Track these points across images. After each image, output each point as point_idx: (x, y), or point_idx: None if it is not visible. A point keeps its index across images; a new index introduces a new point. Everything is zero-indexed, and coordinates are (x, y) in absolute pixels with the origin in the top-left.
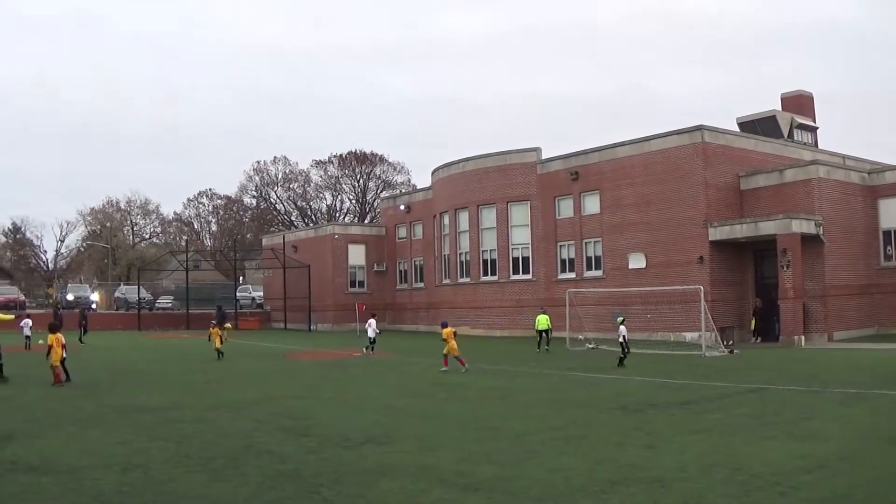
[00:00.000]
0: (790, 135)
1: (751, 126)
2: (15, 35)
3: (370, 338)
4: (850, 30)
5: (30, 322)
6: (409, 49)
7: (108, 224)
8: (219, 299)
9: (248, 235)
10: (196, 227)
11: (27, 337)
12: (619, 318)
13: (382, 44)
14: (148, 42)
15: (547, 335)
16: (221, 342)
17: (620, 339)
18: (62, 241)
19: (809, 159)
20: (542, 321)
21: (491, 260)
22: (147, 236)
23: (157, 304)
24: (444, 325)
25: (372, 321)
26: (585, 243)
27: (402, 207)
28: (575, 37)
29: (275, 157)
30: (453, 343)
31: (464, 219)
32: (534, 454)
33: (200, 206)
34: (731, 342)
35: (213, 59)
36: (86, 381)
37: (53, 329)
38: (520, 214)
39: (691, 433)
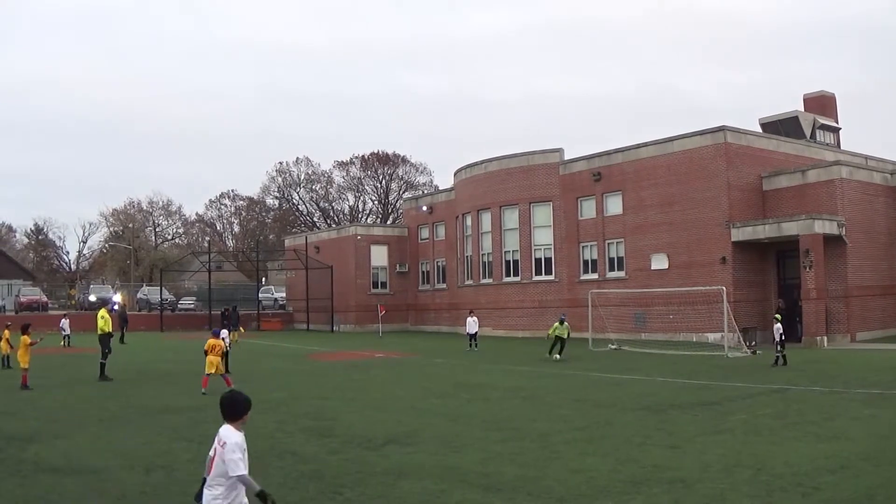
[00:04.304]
0: (812, 135)
1: (773, 127)
2: (34, 33)
3: (471, 334)
4: (875, 29)
5: (68, 322)
6: (431, 48)
7: (130, 225)
8: (231, 300)
9: (271, 236)
10: (218, 228)
11: (66, 336)
12: (778, 316)
13: (405, 42)
14: (169, 40)
15: (561, 342)
16: (11, 348)
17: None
18: (84, 242)
19: (832, 160)
20: (558, 329)
21: (513, 261)
22: (169, 237)
23: (179, 305)
24: (216, 334)
25: (473, 319)
26: (608, 244)
27: (425, 208)
28: (597, 35)
29: (297, 158)
30: (214, 357)
31: (486, 219)
32: (557, 455)
33: (223, 207)
34: (753, 343)
35: (234, 59)
36: (109, 382)
37: (25, 330)
38: (542, 215)
39: (714, 433)
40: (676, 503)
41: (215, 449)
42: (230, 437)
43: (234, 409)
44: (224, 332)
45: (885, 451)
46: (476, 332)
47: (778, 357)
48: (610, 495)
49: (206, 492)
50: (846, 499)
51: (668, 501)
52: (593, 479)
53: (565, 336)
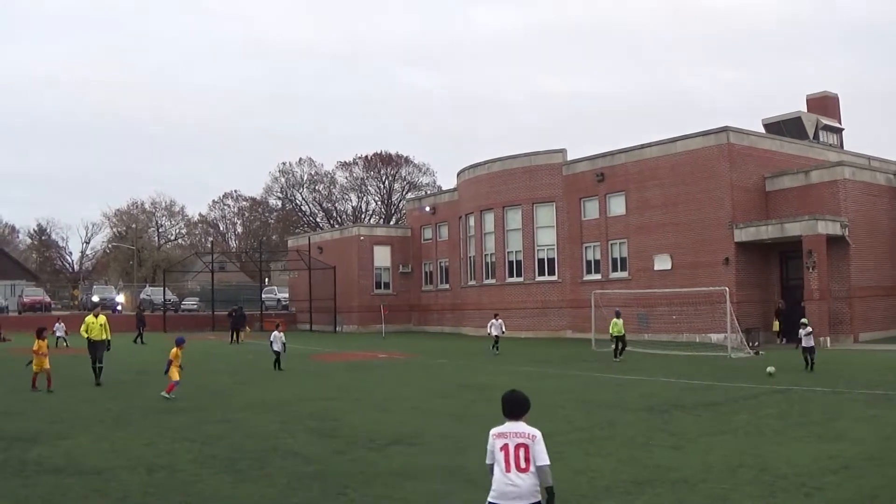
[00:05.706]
0: (815, 136)
1: (776, 127)
2: (35, 32)
3: (495, 336)
4: (877, 29)
5: (63, 325)
6: (434, 48)
7: (133, 225)
8: (235, 301)
9: (274, 237)
10: (221, 228)
11: (59, 338)
12: (804, 321)
13: (408, 42)
14: (172, 40)
15: (620, 342)
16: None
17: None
18: (87, 243)
19: (835, 160)
20: (616, 325)
21: (516, 261)
22: (172, 238)
23: (182, 306)
24: (180, 343)
25: (496, 321)
26: (611, 244)
27: (428, 209)
28: (601, 35)
29: (300, 159)
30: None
31: (489, 220)
32: (560, 455)
33: (226, 207)
34: (756, 343)
35: (236, 59)
36: (112, 383)
37: (41, 334)
38: (545, 216)
39: (717, 434)
40: (679, 503)
41: (517, 444)
42: (535, 430)
43: (525, 405)
44: (275, 334)
45: (888, 452)
46: (498, 335)
47: (810, 360)
48: (613, 495)
49: (525, 483)
50: (849, 499)
51: (670, 502)
52: (596, 480)
53: (621, 334)
